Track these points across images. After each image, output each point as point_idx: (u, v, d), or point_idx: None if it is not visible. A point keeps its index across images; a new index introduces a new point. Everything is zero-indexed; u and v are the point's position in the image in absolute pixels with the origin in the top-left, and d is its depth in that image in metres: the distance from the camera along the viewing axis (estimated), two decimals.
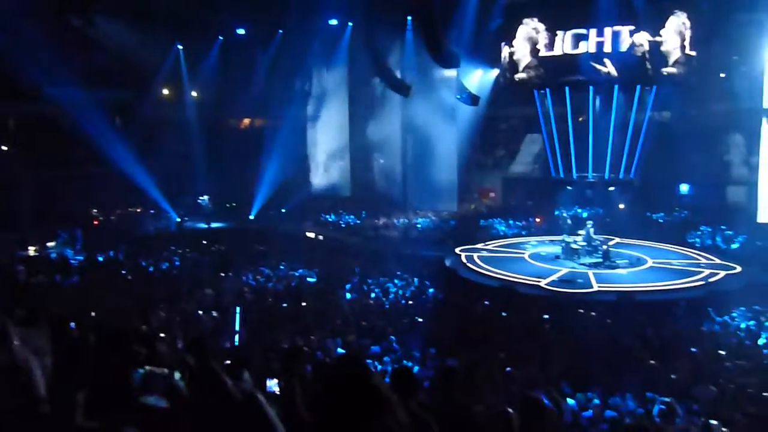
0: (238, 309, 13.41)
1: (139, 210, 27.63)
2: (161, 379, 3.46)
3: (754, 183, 24.72)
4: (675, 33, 24.29)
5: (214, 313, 14.07)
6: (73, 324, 4.70)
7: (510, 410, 3.49)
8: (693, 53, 24.46)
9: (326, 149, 31.71)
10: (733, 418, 8.65)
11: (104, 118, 22.64)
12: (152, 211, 27.02)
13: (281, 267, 20.46)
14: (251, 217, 28.01)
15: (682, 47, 24.43)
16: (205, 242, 24.35)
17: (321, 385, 1.32)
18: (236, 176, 28.85)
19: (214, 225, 27.05)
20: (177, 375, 3.59)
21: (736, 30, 23.59)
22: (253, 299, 16.06)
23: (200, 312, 14.17)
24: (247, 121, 33.89)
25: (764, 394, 9.56)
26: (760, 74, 24.18)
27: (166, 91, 30.06)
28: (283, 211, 28.46)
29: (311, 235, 25.57)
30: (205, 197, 28.11)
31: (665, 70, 24.56)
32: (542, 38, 25.80)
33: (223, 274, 18.81)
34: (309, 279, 19.04)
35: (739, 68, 24.88)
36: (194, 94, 30.31)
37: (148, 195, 25.35)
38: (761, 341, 12.24)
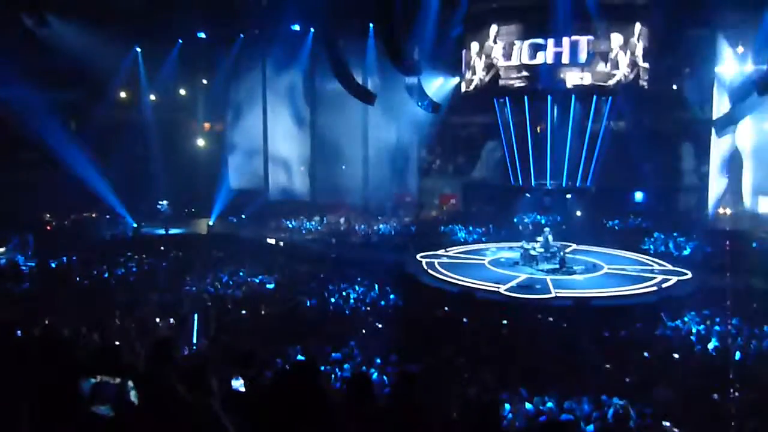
0: (195, 316, 13.21)
1: (94, 215, 26.95)
2: (112, 388, 3.38)
3: (704, 190, 25.57)
4: (630, 45, 24.98)
5: (171, 320, 13.81)
6: (19, 332, 4.55)
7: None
8: (646, 65, 25.19)
9: (287, 154, 31.54)
10: (685, 419, 8.89)
11: (57, 120, 22.00)
12: (108, 216, 26.38)
13: (241, 273, 20.21)
14: (210, 223, 27.62)
15: (636, 58, 25.13)
16: (162, 248, 23.90)
17: (270, 388, 1.31)
18: (195, 181, 28.47)
19: (172, 231, 26.57)
20: (130, 384, 3.51)
21: (687, 44, 24.43)
22: (212, 306, 15.81)
23: (157, 319, 13.89)
24: (207, 125, 33.48)
25: (714, 395, 9.85)
26: (710, 86, 25.05)
27: (123, 94, 29.47)
28: (243, 216, 28.15)
29: (271, 241, 25.33)
30: (164, 202, 27.59)
31: (620, 81, 25.22)
32: (499, 48, 26.21)
33: (180, 281, 18.48)
34: (268, 285, 18.84)
35: (691, 80, 25.74)
36: (152, 97, 29.79)
37: (104, 199, 24.76)
38: (710, 345, 12.59)
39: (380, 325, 14.34)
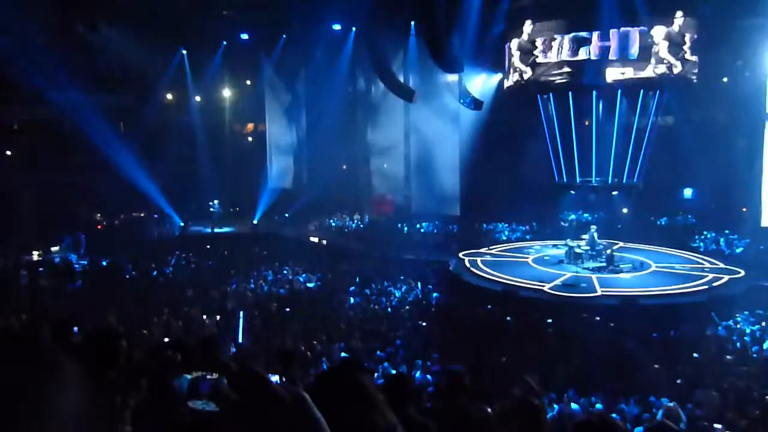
0: (241, 313, 13.45)
1: (142, 215, 27.68)
2: (209, 383, 3.52)
3: (757, 187, 24.67)
4: (676, 37, 24.28)
5: (218, 317, 14.10)
6: (75, 329, 4.71)
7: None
8: (694, 58, 24.45)
9: (329, 154, 31.75)
10: (737, 422, 8.63)
11: (107, 123, 22.68)
12: (156, 216, 27.07)
13: (284, 271, 20.47)
14: (255, 221, 28.05)
15: (684, 51, 24.41)
16: (209, 246, 24.42)
17: (313, 383, 1.33)
18: (239, 181, 28.95)
19: (218, 230, 27.10)
20: (224, 380, 3.62)
21: (739, 35, 23.59)
22: (257, 304, 16.07)
23: (204, 317, 14.20)
24: (250, 125, 33.98)
25: (767, 397, 9.54)
26: (764, 79, 24.17)
27: (170, 96, 30.14)
28: (287, 215, 28.49)
29: (315, 239, 25.60)
30: (216, 202, 28.13)
31: (667, 75, 24.55)
32: (539, 44, 25.80)
33: (226, 279, 18.85)
34: (309, 284, 19.04)
35: (743, 73, 24.88)
36: (198, 98, 30.39)
37: (152, 200, 25.39)
38: (766, 345, 12.19)
39: (423, 323, 14.33)
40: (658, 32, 24.07)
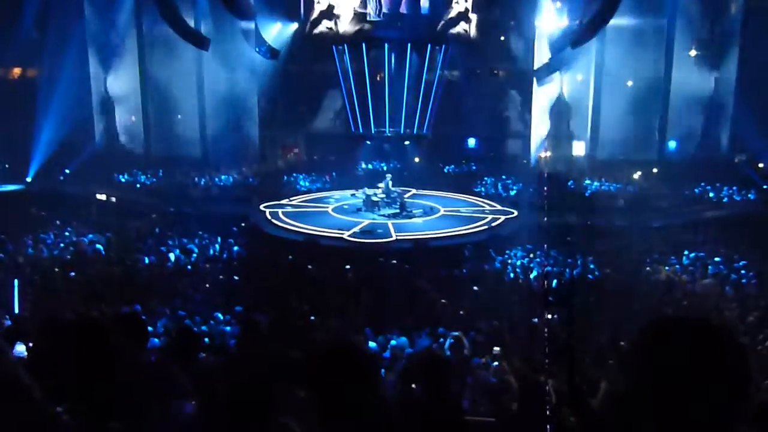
0: (16, 281, 12.08)
1: None
2: None
3: (528, 136, 27.67)
4: None
5: None
6: None
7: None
8: (474, 16, 26.30)
9: (116, 104, 29.27)
10: (512, 343, 9.81)
11: None
12: None
13: (67, 233, 18.68)
14: (28, 179, 25.03)
15: (466, 10, 26.16)
16: None
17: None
18: (7, 133, 25.48)
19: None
20: None
21: None
22: (34, 269, 14.54)
23: None
24: (17, 70, 29.94)
25: (533, 320, 10.93)
26: (532, 39, 26.86)
27: None
28: (67, 171, 25.80)
29: (102, 197, 23.58)
30: None
31: (453, 31, 26.18)
32: None
33: None
34: (98, 246, 17.62)
35: (516, 33, 27.39)
36: None
37: None
38: (532, 275, 13.92)
39: (223, 278, 14.09)
40: None
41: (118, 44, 28.47)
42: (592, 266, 14.95)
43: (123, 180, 26.31)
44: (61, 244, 17.24)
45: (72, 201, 22.20)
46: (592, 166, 26.89)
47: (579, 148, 28.61)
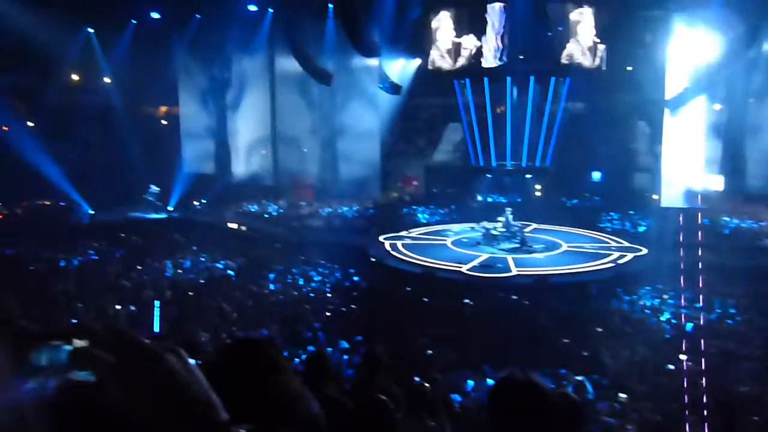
0: (157, 303, 13.05)
1: (47, 202, 26.15)
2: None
3: (657, 170, 26.21)
4: (583, 26, 25.29)
5: (132, 308, 13.63)
6: None
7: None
8: (602, 46, 25.55)
9: (247, 138, 31.17)
10: (638, 389, 9.23)
11: (5, 103, 21.15)
12: (63, 204, 25.63)
13: (202, 258, 19.99)
14: (170, 207, 27.15)
15: (591, 40, 25.48)
16: (122, 234, 23.39)
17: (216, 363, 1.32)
18: (152, 165, 27.85)
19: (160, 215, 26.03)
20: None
21: (639, 25, 24.86)
22: (173, 292, 15.64)
23: (117, 306, 13.69)
24: (163, 108, 32.78)
25: (668, 366, 10.24)
26: (663, 67, 25.58)
27: (75, 77, 28.56)
28: (204, 201, 27.73)
29: (233, 225, 25.08)
30: (153, 186, 26.98)
31: (576, 61, 25.55)
32: (451, 29, 26.29)
33: (140, 267, 18.19)
34: (230, 271, 18.69)
35: (644, 61, 26.23)
36: (107, 80, 28.95)
37: (58, 186, 24.01)
38: (663, 317, 13.06)
39: (344, 308, 14.42)
40: (572, 18, 25.07)
41: (252, 83, 30.41)
42: (732, 310, 13.81)
43: (252, 210, 27.81)
44: (197, 269, 18.44)
45: (206, 229, 23.79)
46: (732, 201, 24.90)
47: (715, 183, 26.62)
